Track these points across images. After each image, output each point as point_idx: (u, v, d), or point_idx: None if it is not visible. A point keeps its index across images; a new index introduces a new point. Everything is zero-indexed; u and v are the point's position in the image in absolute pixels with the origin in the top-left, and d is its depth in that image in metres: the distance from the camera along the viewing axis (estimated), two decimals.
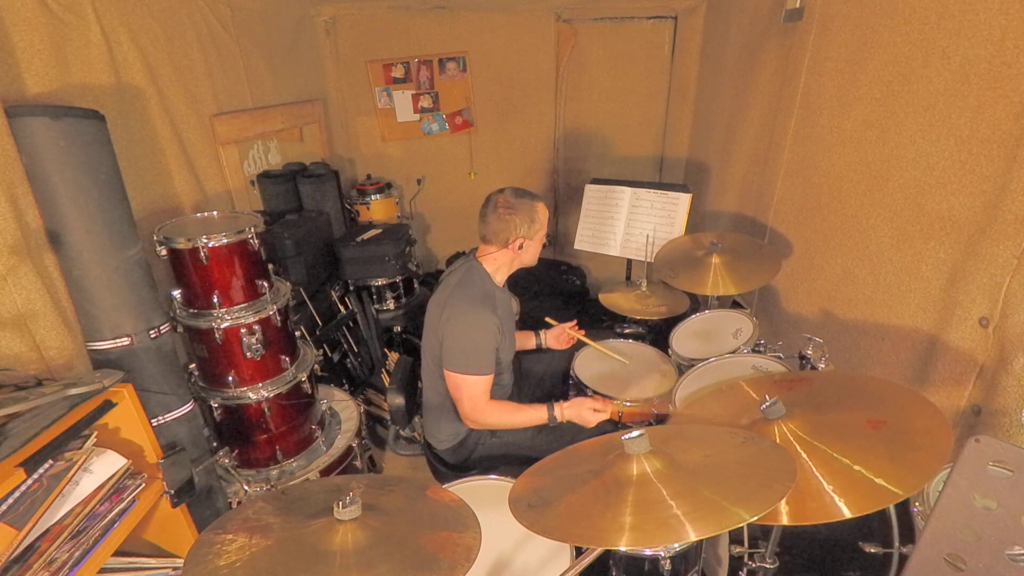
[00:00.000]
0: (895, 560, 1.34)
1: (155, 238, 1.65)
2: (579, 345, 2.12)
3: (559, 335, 2.08)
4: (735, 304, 2.65)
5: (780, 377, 1.49)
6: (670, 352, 2.01)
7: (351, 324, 2.77)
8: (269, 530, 0.95)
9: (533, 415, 1.70)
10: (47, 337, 1.30)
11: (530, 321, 2.38)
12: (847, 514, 0.94)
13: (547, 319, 2.13)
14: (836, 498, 0.97)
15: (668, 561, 1.36)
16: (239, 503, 1.77)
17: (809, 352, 1.65)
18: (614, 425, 1.79)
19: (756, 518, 0.86)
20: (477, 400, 1.67)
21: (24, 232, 1.25)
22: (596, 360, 2.06)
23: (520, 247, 1.73)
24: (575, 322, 2.07)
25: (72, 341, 1.36)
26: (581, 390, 1.92)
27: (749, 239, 2.32)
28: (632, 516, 0.93)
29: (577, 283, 3.76)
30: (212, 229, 1.69)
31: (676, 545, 1.35)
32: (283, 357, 1.87)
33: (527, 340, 2.11)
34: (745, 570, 1.42)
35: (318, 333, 2.47)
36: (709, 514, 0.89)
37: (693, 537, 0.88)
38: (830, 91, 2.00)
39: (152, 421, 1.44)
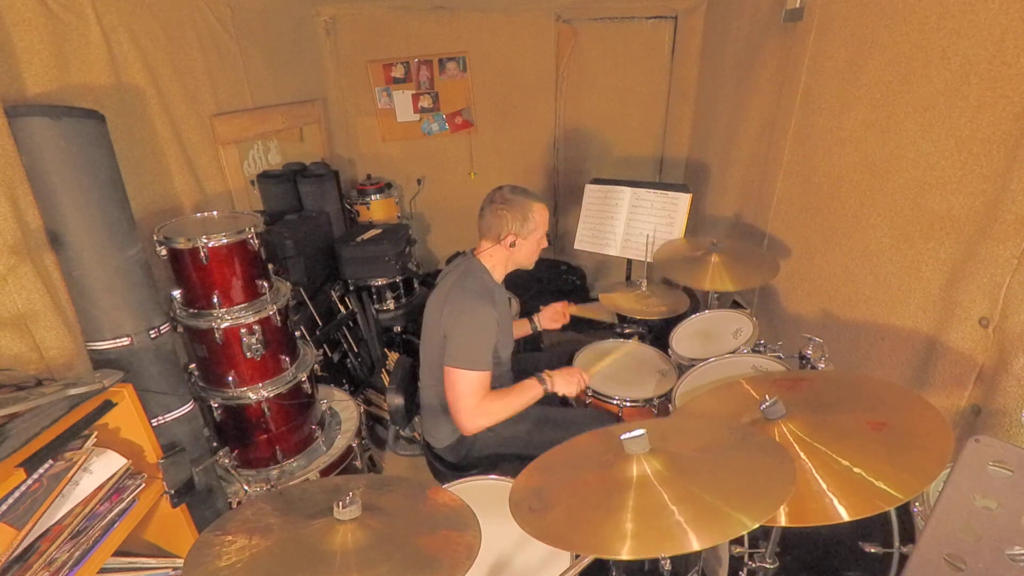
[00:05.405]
0: (895, 560, 1.34)
1: (155, 238, 1.65)
2: (578, 346, 2.13)
3: (552, 314, 2.11)
4: (735, 304, 2.65)
5: (780, 377, 1.49)
6: (670, 352, 2.01)
7: (351, 324, 2.77)
8: (269, 530, 0.95)
9: (527, 392, 1.69)
10: (47, 337, 1.30)
11: None
12: (846, 517, 0.93)
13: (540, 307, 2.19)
14: (835, 500, 0.96)
15: (668, 561, 1.36)
16: (239, 503, 1.77)
17: (809, 352, 1.65)
18: (616, 419, 1.80)
19: (758, 525, 0.86)
20: (473, 398, 1.65)
21: (24, 232, 1.25)
22: (596, 360, 2.06)
23: (512, 244, 1.73)
24: (566, 303, 2.12)
25: (72, 341, 1.36)
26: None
27: (748, 246, 2.33)
28: (633, 523, 0.92)
29: (577, 283, 3.76)
30: (212, 229, 1.69)
31: None
32: (283, 357, 1.87)
33: (522, 327, 2.14)
34: (745, 570, 1.42)
35: (318, 333, 2.47)
36: (712, 523, 0.88)
37: (696, 547, 0.87)
38: (830, 91, 2.00)
39: (152, 421, 1.44)
